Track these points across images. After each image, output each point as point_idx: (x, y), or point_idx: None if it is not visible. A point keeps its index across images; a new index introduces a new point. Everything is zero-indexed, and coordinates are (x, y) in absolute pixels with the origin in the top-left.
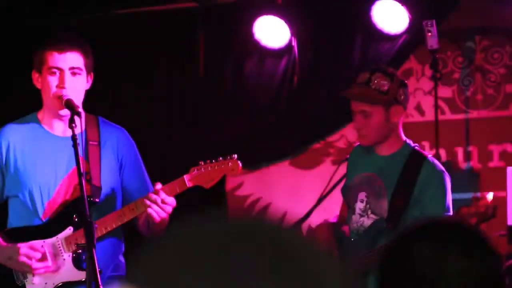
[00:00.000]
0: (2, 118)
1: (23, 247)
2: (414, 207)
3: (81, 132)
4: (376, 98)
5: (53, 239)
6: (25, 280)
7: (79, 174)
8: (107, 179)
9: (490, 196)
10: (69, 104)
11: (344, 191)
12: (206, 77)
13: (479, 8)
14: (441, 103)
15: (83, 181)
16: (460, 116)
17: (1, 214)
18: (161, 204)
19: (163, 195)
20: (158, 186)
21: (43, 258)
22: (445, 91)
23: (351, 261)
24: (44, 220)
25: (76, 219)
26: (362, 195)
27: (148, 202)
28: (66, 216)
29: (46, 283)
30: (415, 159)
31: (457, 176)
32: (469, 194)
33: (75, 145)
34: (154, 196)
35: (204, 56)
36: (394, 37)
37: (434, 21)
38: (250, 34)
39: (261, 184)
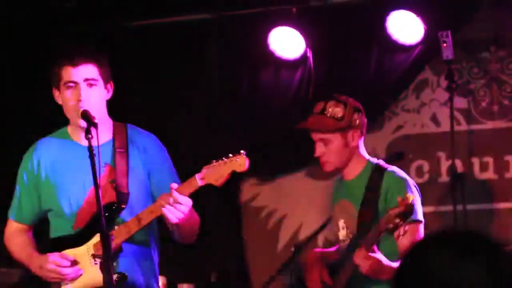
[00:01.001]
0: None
1: (52, 255)
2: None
3: (110, 140)
4: (332, 125)
5: (84, 246)
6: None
7: (96, 187)
8: (135, 185)
9: (410, 196)
10: (85, 115)
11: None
12: (220, 88)
13: (495, 19)
14: (456, 114)
15: (99, 191)
16: (476, 127)
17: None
18: (173, 203)
19: (175, 193)
20: (174, 186)
21: (73, 265)
22: (460, 102)
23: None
24: (76, 230)
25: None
26: (341, 223)
27: (161, 202)
28: (95, 223)
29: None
30: (376, 174)
31: (473, 187)
32: (485, 205)
33: (91, 156)
34: (166, 196)
35: (218, 67)
36: (409, 48)
37: (449, 32)
38: (265, 45)
39: (277, 195)
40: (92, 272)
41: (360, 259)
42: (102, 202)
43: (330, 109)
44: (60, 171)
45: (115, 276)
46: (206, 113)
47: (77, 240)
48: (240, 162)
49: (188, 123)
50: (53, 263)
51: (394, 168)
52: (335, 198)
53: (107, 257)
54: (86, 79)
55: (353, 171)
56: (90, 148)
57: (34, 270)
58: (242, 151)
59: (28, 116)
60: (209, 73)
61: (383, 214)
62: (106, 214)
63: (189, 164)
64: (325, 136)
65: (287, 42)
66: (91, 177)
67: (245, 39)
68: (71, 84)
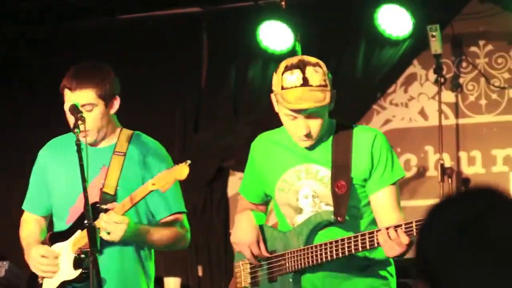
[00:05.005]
0: None
1: (39, 247)
2: (360, 188)
3: (112, 145)
4: (323, 97)
5: (66, 241)
6: (42, 280)
7: (83, 180)
8: (127, 190)
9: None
10: (73, 110)
11: (271, 193)
12: (209, 81)
13: (483, 13)
14: (445, 108)
15: (86, 189)
16: (464, 121)
17: None
18: (107, 226)
19: (112, 216)
20: (110, 206)
21: (52, 260)
22: (449, 96)
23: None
24: (68, 225)
25: (85, 224)
26: (306, 191)
27: (100, 223)
28: (82, 220)
29: (53, 281)
30: (342, 133)
31: (460, 181)
32: None
33: (78, 150)
34: (105, 216)
35: (208, 60)
36: (398, 42)
37: (438, 26)
38: (254, 39)
39: None
40: (66, 266)
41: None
42: (91, 202)
43: (312, 78)
44: (60, 168)
45: (79, 271)
46: (194, 107)
47: (65, 235)
48: (181, 171)
49: (176, 117)
50: (36, 255)
51: (359, 125)
52: (281, 167)
53: (94, 251)
54: (83, 105)
55: None
56: (77, 142)
57: (26, 259)
58: (188, 161)
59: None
60: (198, 66)
61: (361, 178)
62: (92, 212)
63: (175, 158)
64: (315, 109)
65: (276, 36)
66: (88, 174)
67: (234, 33)
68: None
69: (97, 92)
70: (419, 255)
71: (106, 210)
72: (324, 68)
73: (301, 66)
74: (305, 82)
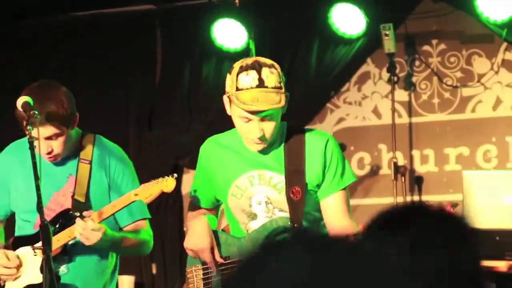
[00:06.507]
0: None
1: (3, 251)
2: (314, 194)
3: (75, 152)
4: (280, 99)
5: (35, 245)
6: (4, 282)
7: (36, 177)
8: (96, 196)
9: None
10: (26, 106)
11: (222, 199)
12: (163, 79)
13: (436, 12)
14: (398, 106)
15: (39, 189)
16: (417, 120)
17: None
18: (84, 232)
19: (89, 224)
20: (87, 213)
21: (16, 267)
22: (402, 95)
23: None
24: (35, 230)
25: (56, 229)
26: (259, 197)
27: (77, 229)
28: (53, 226)
29: (16, 284)
30: (294, 138)
31: (413, 180)
32: (425, 198)
33: (31, 148)
34: (82, 223)
35: (162, 58)
36: (352, 41)
37: (391, 25)
38: (208, 37)
39: None
40: (32, 270)
41: None
42: (63, 209)
43: (267, 80)
44: (25, 172)
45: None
46: (148, 105)
47: (32, 240)
48: (168, 183)
49: (130, 115)
50: (1, 259)
51: (310, 128)
52: (233, 172)
53: (47, 249)
54: (47, 137)
55: None
56: (29, 140)
57: None
58: (175, 174)
59: None
60: (152, 64)
61: (315, 183)
62: (60, 221)
63: (130, 156)
64: (271, 112)
65: (229, 34)
66: (55, 183)
67: (188, 30)
68: (36, 139)
69: (60, 122)
70: None
71: (81, 217)
72: (279, 70)
73: (257, 67)
74: (261, 83)
